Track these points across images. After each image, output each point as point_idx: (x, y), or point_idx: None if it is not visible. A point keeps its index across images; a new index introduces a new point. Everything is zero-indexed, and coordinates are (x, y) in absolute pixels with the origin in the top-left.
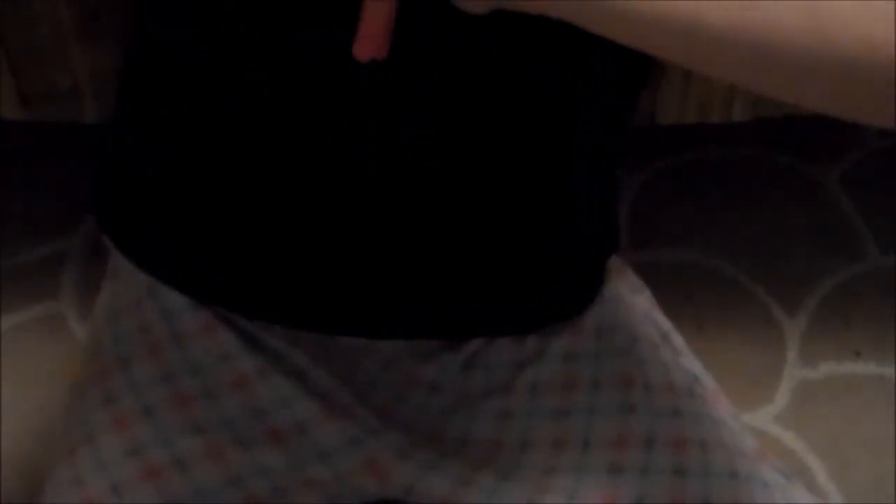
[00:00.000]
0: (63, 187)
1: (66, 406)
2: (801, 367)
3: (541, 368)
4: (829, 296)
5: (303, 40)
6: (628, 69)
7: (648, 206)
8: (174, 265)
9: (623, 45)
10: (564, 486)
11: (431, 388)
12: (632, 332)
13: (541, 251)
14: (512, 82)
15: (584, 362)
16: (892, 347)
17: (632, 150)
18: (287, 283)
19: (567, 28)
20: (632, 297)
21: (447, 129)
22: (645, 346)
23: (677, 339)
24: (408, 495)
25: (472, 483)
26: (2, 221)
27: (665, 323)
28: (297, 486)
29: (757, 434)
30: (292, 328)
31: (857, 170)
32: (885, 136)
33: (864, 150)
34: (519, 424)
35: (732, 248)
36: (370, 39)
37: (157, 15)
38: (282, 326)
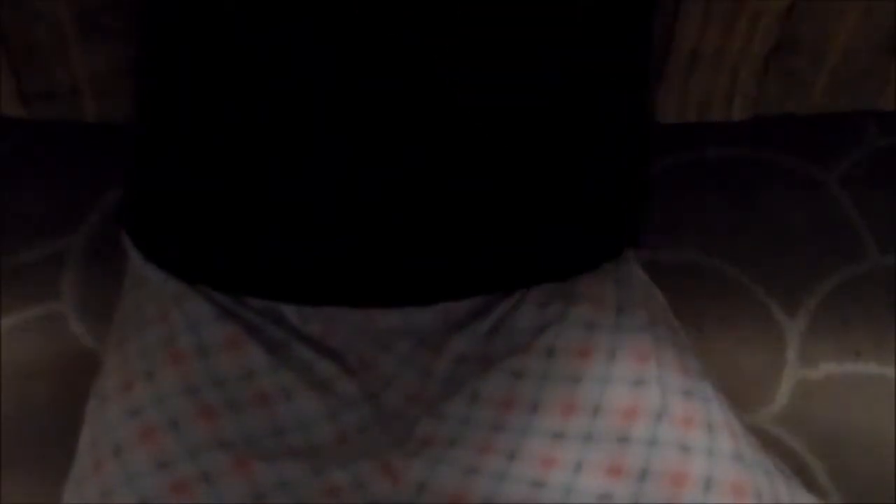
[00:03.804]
0: (63, 187)
1: (88, 416)
2: (801, 367)
3: (560, 332)
4: (829, 296)
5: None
6: None
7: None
8: (209, 266)
9: None
10: (570, 458)
11: (459, 359)
12: (651, 314)
13: (582, 195)
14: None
15: (603, 333)
16: (892, 347)
17: None
18: (345, 263)
19: None
20: (653, 289)
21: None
22: (661, 329)
23: (685, 338)
24: (420, 495)
25: (480, 471)
26: (2, 221)
27: (674, 321)
28: (319, 494)
29: (757, 434)
30: (352, 306)
31: (857, 170)
32: (886, 136)
33: (864, 149)
34: (532, 384)
35: (732, 248)
36: None
37: (171, 18)
38: (339, 306)
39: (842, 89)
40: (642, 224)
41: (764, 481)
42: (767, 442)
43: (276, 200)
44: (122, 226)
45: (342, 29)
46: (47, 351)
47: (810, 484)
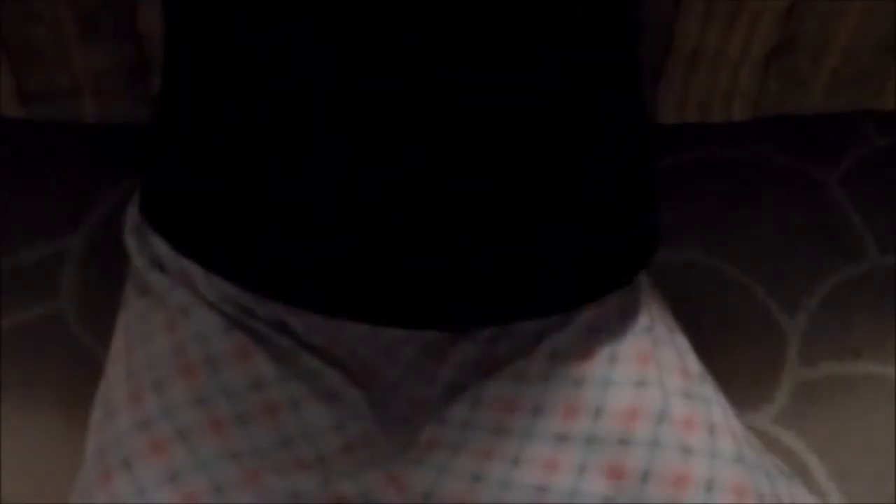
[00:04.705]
0: (63, 187)
1: (94, 426)
2: (801, 367)
3: (562, 336)
4: (829, 296)
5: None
6: None
7: None
8: (208, 265)
9: None
10: (573, 461)
11: (461, 364)
12: (651, 316)
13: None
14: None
15: (604, 336)
16: (892, 347)
17: None
18: (345, 263)
19: None
20: (653, 290)
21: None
22: (661, 330)
23: (685, 339)
24: (427, 500)
25: (484, 477)
26: (2, 221)
27: (674, 322)
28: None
29: (757, 434)
30: (369, 322)
31: (858, 170)
32: (886, 136)
33: (864, 149)
34: (534, 387)
35: (732, 248)
36: None
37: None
38: (358, 320)
39: (842, 89)
40: (654, 240)
41: (765, 482)
42: (767, 442)
43: (276, 200)
44: (148, 218)
45: (342, 29)
46: (47, 351)
47: (810, 484)
